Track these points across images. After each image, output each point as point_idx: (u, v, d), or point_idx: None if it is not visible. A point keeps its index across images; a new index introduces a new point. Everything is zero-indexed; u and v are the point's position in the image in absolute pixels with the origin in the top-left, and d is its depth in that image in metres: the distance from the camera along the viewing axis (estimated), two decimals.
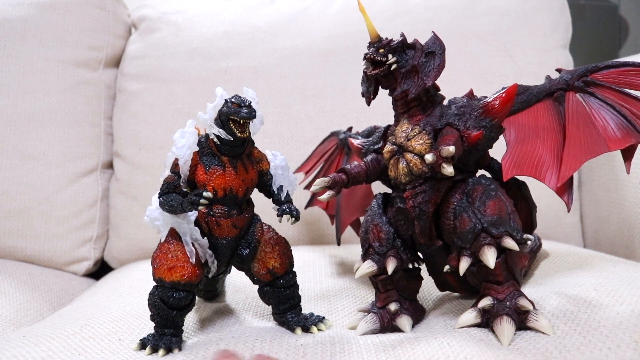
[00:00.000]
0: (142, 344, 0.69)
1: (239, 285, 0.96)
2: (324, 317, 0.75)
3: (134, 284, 1.04)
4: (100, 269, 1.42)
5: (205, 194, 0.66)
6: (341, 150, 1.03)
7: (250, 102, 0.68)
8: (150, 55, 1.47)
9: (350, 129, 1.05)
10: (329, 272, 1.01)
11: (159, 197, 0.70)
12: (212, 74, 1.42)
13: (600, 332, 0.60)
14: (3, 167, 1.32)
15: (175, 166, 0.69)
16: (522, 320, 0.63)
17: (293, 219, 0.71)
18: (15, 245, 1.31)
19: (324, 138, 1.11)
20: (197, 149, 0.69)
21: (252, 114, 0.67)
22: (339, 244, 1.02)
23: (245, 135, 0.68)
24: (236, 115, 0.66)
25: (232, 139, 0.68)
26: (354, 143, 0.80)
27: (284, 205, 0.72)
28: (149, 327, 0.75)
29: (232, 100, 0.67)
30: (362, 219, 0.84)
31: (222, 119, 0.67)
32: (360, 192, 0.97)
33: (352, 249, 1.18)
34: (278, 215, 0.71)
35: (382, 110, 1.24)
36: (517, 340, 0.61)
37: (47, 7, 1.43)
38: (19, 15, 1.40)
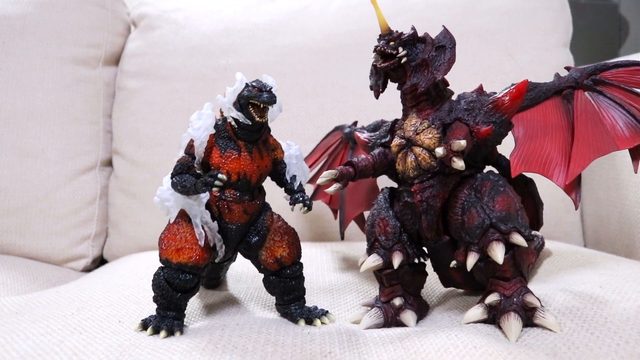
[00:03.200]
0: (144, 325, 0.68)
1: (239, 275, 0.96)
2: (327, 311, 0.74)
3: (133, 269, 1.04)
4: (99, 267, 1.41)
5: (220, 175, 0.65)
6: (345, 144, 1.03)
7: (272, 88, 0.68)
8: (150, 53, 1.47)
9: (355, 123, 1.05)
10: (332, 267, 1.01)
11: (171, 177, 0.69)
12: (211, 72, 1.42)
13: (607, 328, 0.60)
14: (1, 164, 1.32)
15: (190, 147, 0.69)
16: (529, 317, 0.63)
17: (305, 208, 0.70)
18: (14, 242, 1.30)
19: (328, 132, 1.11)
20: (213, 131, 0.69)
21: (272, 99, 0.67)
22: (342, 238, 1.02)
23: (263, 120, 0.68)
24: (257, 99, 0.66)
25: (250, 123, 0.67)
26: (360, 137, 0.80)
27: (297, 195, 0.72)
28: (148, 312, 0.74)
29: (253, 84, 0.67)
30: (366, 214, 0.83)
31: (242, 103, 0.67)
32: (365, 187, 0.97)
33: (355, 246, 1.17)
34: (291, 204, 0.72)
35: (383, 108, 1.24)
36: (525, 337, 0.60)
37: (46, 4, 1.42)
38: (17, 13, 1.40)
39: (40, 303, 0.82)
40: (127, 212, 1.39)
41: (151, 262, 1.09)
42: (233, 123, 0.68)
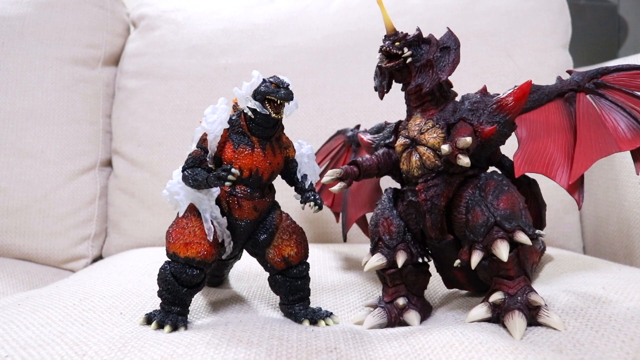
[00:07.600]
0: (148, 319, 0.68)
1: (241, 274, 0.96)
2: (332, 313, 0.74)
3: (132, 264, 1.04)
4: None
5: (233, 170, 0.65)
6: (348, 147, 1.03)
7: (288, 85, 0.68)
8: (149, 53, 1.47)
9: (358, 126, 1.05)
10: (334, 268, 1.01)
11: (182, 171, 0.69)
12: (211, 71, 1.42)
13: (612, 326, 0.60)
14: (1, 164, 1.32)
15: (202, 141, 0.69)
16: (533, 316, 0.63)
17: (317, 207, 0.70)
18: (13, 243, 1.30)
19: (330, 136, 1.11)
20: (227, 125, 0.69)
21: (290, 96, 0.67)
22: (345, 240, 1.02)
23: (279, 116, 0.68)
24: (274, 95, 0.66)
25: (268, 113, 0.67)
26: (364, 139, 0.80)
27: (308, 193, 0.72)
28: (150, 305, 0.74)
29: (271, 80, 0.67)
30: (368, 216, 0.83)
31: (258, 98, 0.67)
32: (368, 189, 0.97)
33: (357, 247, 1.18)
34: (301, 202, 0.72)
35: (382, 109, 1.25)
36: (529, 335, 0.60)
37: (46, 5, 1.43)
38: (17, 13, 1.40)
39: (41, 295, 0.81)
40: (127, 211, 1.39)
41: (149, 257, 1.09)
42: (250, 114, 0.68)
